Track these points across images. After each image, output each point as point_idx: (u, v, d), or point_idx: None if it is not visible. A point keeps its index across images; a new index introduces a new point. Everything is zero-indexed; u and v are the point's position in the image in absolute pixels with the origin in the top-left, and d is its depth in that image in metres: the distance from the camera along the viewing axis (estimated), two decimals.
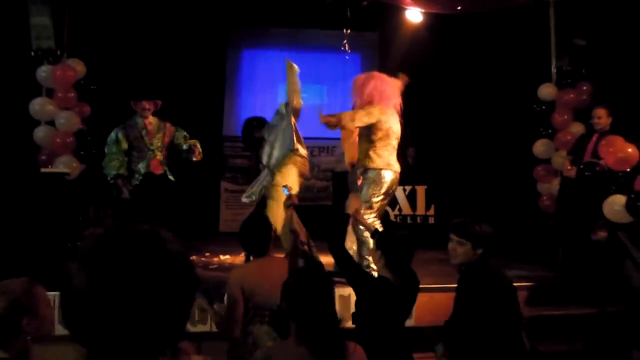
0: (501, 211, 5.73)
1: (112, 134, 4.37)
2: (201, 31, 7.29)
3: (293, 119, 4.35)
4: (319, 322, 1.85)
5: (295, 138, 4.26)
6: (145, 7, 6.07)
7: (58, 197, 4.39)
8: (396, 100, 4.15)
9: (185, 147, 4.50)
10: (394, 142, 4.09)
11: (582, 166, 4.33)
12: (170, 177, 4.56)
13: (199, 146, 4.49)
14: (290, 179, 4.14)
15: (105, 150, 4.35)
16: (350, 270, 2.75)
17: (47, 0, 4.63)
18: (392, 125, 4.07)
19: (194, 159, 4.47)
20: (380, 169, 4.01)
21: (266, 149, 4.37)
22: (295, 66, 4.27)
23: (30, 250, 4.18)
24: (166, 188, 4.51)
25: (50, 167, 4.59)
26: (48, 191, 4.34)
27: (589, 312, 3.86)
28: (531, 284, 4.33)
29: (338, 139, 7.89)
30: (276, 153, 4.29)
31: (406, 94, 4.88)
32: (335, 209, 7.08)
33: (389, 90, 4.15)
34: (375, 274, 2.87)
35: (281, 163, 4.24)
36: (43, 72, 4.69)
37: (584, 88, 5.37)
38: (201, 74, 7.43)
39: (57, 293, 3.65)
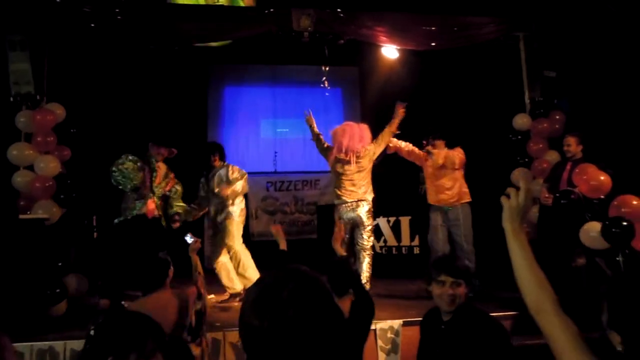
0: (483, 240, 5.77)
1: (131, 157, 4.45)
2: (183, 69, 7.38)
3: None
4: None
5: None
6: (126, 48, 6.14)
7: (38, 243, 4.34)
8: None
9: (172, 211, 4.77)
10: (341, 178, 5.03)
11: (557, 194, 4.42)
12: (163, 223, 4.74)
13: (180, 217, 4.74)
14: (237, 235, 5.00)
15: (123, 168, 4.39)
16: None
17: (26, 46, 4.67)
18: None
19: (173, 225, 4.72)
20: None
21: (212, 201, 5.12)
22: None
23: (10, 298, 4.09)
24: (158, 228, 4.69)
25: (29, 212, 4.53)
26: (28, 237, 4.29)
27: None
28: (515, 312, 4.35)
29: (321, 172, 7.98)
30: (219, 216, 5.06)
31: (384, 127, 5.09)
32: (321, 242, 7.07)
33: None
34: None
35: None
36: (22, 117, 4.69)
37: (557, 117, 5.53)
38: (184, 111, 7.48)
39: (33, 344, 3.58)
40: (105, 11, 4.81)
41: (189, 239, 3.58)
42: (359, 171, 5.00)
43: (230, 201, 4.97)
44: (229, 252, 5.01)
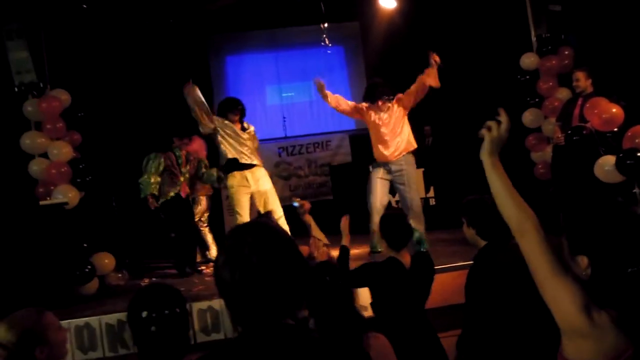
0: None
1: (152, 156, 4.85)
2: (181, 44, 7.30)
3: None
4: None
5: None
6: (123, 27, 6.09)
7: (60, 227, 4.47)
8: None
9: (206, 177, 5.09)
10: None
11: (569, 131, 4.35)
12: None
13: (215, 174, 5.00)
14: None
15: (144, 169, 4.82)
16: (353, 273, 2.75)
17: (22, 34, 4.67)
18: None
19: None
20: None
21: None
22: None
23: (39, 283, 4.26)
24: (188, 208, 5.13)
25: (48, 198, 4.65)
26: (49, 223, 4.42)
27: None
28: None
29: (331, 132, 7.92)
30: None
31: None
32: (336, 202, 7.12)
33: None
34: None
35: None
36: (29, 106, 4.74)
37: (566, 53, 5.37)
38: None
39: (70, 321, 3.75)
40: None
41: (295, 204, 3.79)
42: None
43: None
44: None
